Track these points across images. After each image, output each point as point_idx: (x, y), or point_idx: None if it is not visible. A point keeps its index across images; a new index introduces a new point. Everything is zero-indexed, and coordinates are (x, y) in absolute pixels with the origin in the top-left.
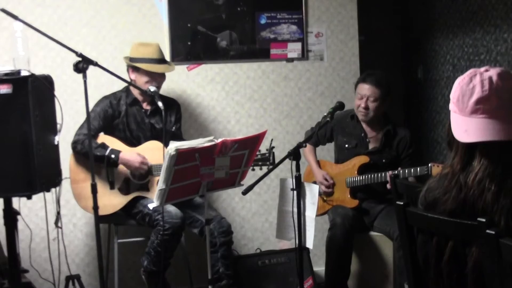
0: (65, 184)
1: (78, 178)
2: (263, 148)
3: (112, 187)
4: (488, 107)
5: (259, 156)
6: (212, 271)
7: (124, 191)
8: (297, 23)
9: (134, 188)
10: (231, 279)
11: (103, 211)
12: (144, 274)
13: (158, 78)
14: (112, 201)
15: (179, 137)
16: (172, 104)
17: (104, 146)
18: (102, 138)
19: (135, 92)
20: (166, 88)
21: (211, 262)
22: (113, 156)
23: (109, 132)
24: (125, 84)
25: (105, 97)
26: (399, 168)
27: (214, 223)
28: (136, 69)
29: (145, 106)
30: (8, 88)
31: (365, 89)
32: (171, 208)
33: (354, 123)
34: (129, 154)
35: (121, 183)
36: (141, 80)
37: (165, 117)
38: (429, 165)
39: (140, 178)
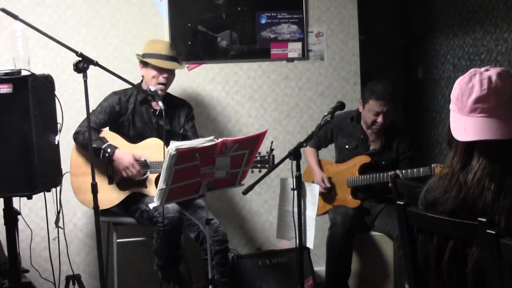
0: (66, 184)
1: (78, 172)
2: (264, 148)
3: (110, 182)
4: (487, 106)
5: (258, 158)
6: (211, 274)
7: (123, 186)
8: (298, 23)
9: (132, 184)
10: (227, 287)
11: (100, 205)
12: (158, 270)
13: (166, 75)
14: (109, 196)
15: (190, 139)
16: (183, 106)
17: (102, 139)
18: (105, 133)
19: None
20: None
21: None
22: (109, 150)
23: (114, 128)
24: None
25: (115, 93)
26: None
27: (210, 231)
28: (145, 64)
29: (155, 105)
30: (8, 87)
31: (381, 105)
32: (167, 204)
33: (354, 125)
34: (124, 152)
35: (120, 178)
36: (148, 75)
37: (165, 117)
38: (432, 166)
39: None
